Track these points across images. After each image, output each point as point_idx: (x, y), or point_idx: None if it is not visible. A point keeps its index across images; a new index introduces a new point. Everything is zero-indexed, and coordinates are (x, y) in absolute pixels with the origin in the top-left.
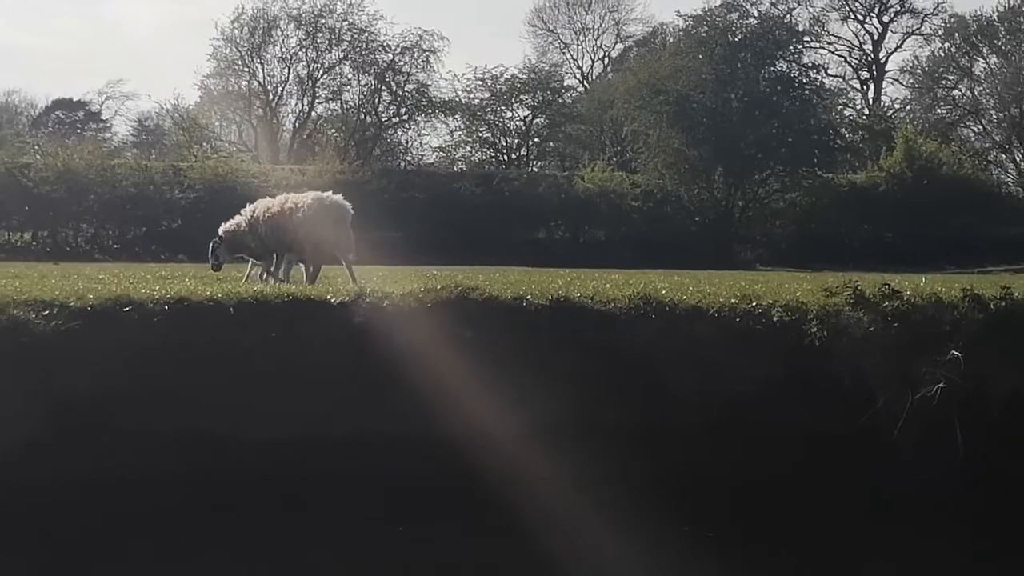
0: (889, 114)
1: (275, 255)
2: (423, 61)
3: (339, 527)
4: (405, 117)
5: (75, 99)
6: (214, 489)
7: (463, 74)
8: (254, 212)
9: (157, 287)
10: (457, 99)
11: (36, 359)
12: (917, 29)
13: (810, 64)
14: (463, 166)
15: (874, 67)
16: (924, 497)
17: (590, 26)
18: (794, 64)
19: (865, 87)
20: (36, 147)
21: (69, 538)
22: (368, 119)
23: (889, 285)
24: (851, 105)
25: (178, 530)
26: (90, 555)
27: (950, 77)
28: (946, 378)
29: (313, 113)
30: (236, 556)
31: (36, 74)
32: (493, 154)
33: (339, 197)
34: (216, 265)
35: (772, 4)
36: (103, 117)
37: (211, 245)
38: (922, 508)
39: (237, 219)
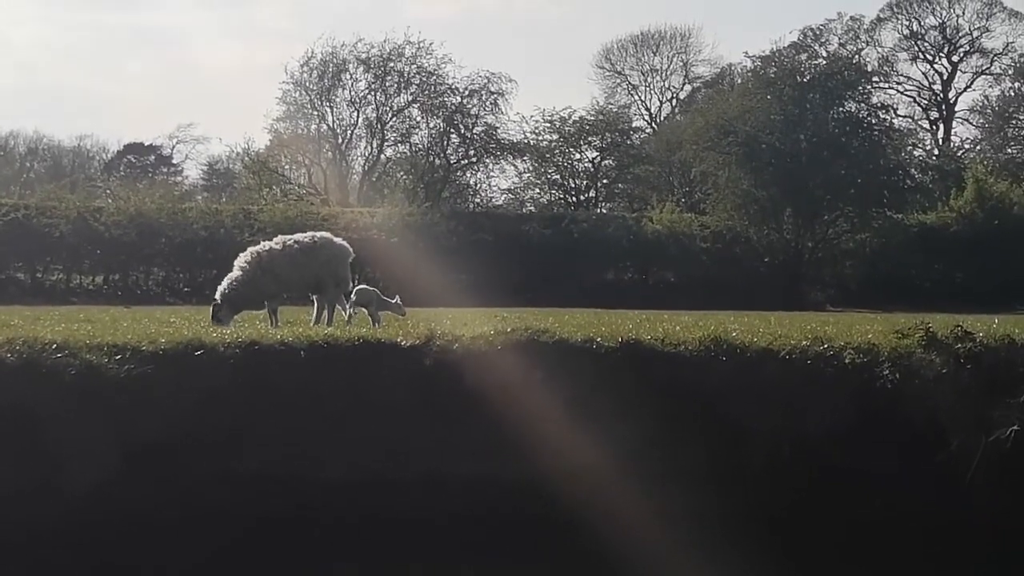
0: (959, 154)
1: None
2: (491, 103)
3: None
4: (474, 159)
5: (146, 143)
6: (286, 530)
7: (531, 116)
8: (261, 254)
9: (228, 331)
10: (525, 141)
11: (109, 402)
12: (987, 69)
13: (879, 104)
14: (532, 208)
15: (943, 107)
16: (996, 539)
17: (658, 68)
18: (863, 104)
19: (935, 127)
20: (108, 191)
21: None
22: (437, 161)
23: (961, 327)
24: (921, 145)
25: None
26: None
27: (1021, 116)
28: (1020, 421)
29: (382, 156)
30: None
31: (108, 119)
32: (562, 196)
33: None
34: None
35: (840, 44)
36: (174, 161)
37: (213, 309)
38: (996, 551)
39: (236, 274)
